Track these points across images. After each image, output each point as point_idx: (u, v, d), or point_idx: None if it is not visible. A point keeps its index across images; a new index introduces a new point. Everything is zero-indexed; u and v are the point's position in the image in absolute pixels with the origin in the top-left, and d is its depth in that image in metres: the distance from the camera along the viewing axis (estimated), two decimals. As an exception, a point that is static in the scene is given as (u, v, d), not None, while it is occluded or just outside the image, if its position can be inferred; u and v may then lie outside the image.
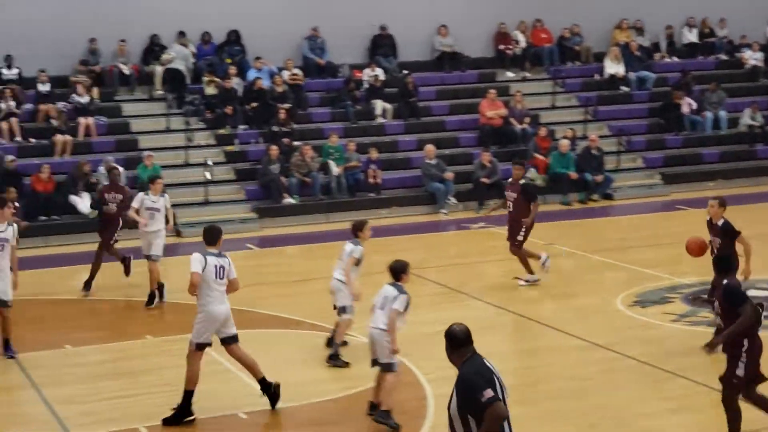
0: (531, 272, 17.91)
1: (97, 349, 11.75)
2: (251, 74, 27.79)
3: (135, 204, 17.32)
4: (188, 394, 11.66)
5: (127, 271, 18.04)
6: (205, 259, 11.63)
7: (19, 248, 20.17)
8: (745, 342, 10.34)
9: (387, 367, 11.61)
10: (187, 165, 25.61)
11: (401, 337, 11.55)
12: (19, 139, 25.05)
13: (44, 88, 26.08)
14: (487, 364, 7.47)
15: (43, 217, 23.21)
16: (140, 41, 27.83)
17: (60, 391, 12.28)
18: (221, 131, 26.61)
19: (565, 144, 26.87)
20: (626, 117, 29.99)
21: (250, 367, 12.11)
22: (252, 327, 15.11)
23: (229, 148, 26.24)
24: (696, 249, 13.40)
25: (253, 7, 28.51)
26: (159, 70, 27.50)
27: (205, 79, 27.41)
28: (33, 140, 25.22)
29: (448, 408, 7.36)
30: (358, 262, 13.72)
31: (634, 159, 28.76)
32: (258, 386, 12.03)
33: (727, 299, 10.44)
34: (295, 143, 26.03)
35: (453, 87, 30.01)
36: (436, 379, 12.96)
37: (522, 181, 18.03)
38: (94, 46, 27.20)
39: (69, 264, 20.13)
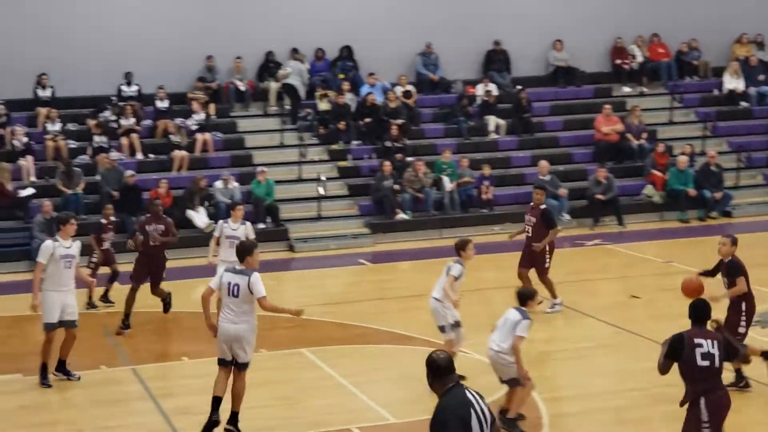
0: (555, 296, 17.41)
1: (212, 361, 11.86)
2: (364, 90, 27.92)
3: (216, 233, 16.95)
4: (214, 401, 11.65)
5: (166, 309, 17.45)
6: (222, 275, 11.52)
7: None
8: None
9: (513, 383, 11.74)
10: (300, 180, 25.80)
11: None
12: (139, 155, 25.55)
13: (163, 104, 26.58)
14: (469, 396, 7.25)
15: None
16: (256, 58, 28.16)
17: (177, 403, 12.43)
18: (334, 147, 26.77)
19: (683, 160, 26.35)
20: (746, 133, 29.26)
21: (235, 397, 11.70)
22: (365, 342, 15.12)
23: (342, 163, 26.37)
24: (692, 292, 12.60)
25: (366, 23, 28.64)
26: (273, 86, 27.81)
27: (319, 94, 27.63)
28: (152, 156, 25.71)
29: None
30: (456, 280, 13.58)
31: (753, 176, 28.05)
32: (228, 416, 11.69)
33: None
34: (408, 159, 26.04)
35: (567, 102, 29.71)
36: (551, 399, 12.77)
37: (542, 206, 17.39)
38: (211, 63, 27.63)
39: (185, 277, 20.38)
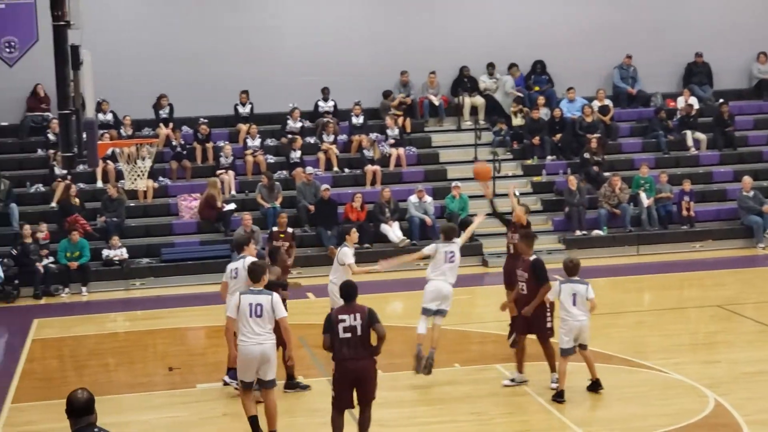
0: (521, 371, 14.21)
1: (406, 374, 11.86)
2: (564, 105, 27.60)
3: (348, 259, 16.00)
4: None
5: None
6: (240, 299, 11.52)
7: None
8: None
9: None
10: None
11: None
12: (335, 169, 25.96)
13: (358, 120, 26.94)
14: None
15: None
16: (449, 72, 28.22)
17: (373, 415, 12.43)
18: (528, 162, 26.54)
19: None
20: None
21: (270, 418, 11.71)
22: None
23: (536, 178, 26.10)
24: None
25: (561, 36, 28.32)
26: (468, 100, 27.81)
27: (513, 109, 27.47)
28: (347, 170, 26.07)
29: None
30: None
31: None
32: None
33: None
34: (605, 174, 25.56)
35: (772, 116, 28.63)
36: (755, 422, 12.23)
37: (532, 257, 13.91)
38: (405, 78, 27.84)
39: (379, 291, 20.54)
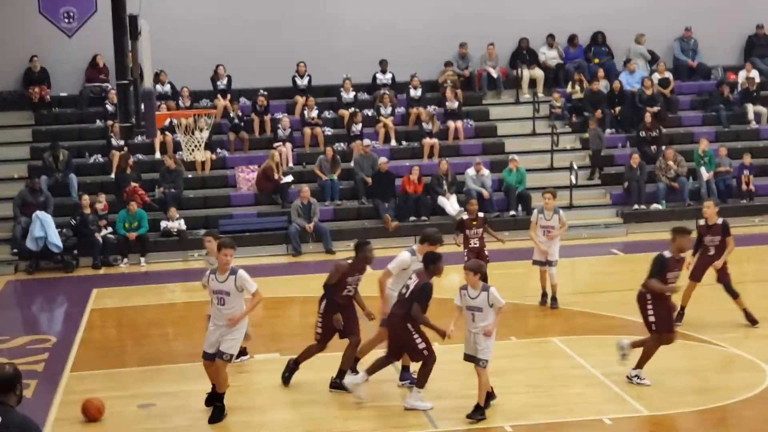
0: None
1: (459, 347, 11.83)
2: (623, 77, 27.30)
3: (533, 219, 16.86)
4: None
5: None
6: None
7: (392, 247, 20.89)
8: None
9: None
10: (552, 169, 25.50)
11: None
12: (392, 142, 25.91)
13: (415, 92, 26.83)
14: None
15: (412, 218, 23.83)
16: (509, 44, 28.02)
17: (430, 386, 12.43)
18: (587, 135, 26.30)
19: None
20: None
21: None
22: (616, 333, 14.72)
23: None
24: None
25: (622, 8, 27.98)
26: (526, 73, 27.61)
27: (572, 81, 27.22)
28: (404, 143, 26.01)
29: None
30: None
31: None
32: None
33: None
34: (663, 147, 25.27)
35: (836, 89, 28.10)
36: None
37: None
38: (463, 50, 27.67)
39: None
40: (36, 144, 25.10)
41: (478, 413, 11.65)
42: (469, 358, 11.77)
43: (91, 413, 12.19)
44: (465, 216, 17.53)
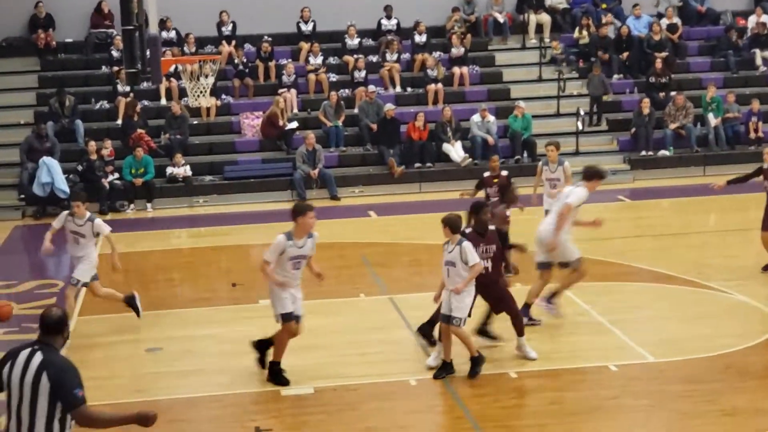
0: None
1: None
2: (630, 22, 27.10)
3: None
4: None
5: None
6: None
7: (397, 193, 20.87)
8: None
9: None
10: (558, 115, 25.40)
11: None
12: (397, 88, 25.79)
13: (421, 38, 26.66)
14: (24, 354, 6.90)
15: (417, 164, 23.78)
16: (515, -11, 27.83)
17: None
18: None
19: None
20: None
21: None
22: (623, 280, 14.76)
23: (605, 97, 25.65)
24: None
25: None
26: (533, 18, 27.41)
27: (579, 26, 27.00)
28: (409, 89, 25.89)
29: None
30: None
31: None
32: None
33: None
34: (671, 93, 25.14)
35: None
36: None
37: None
38: (470, -5, 27.50)
39: (443, 210, 20.50)
40: (42, 90, 25.02)
41: (476, 366, 11.45)
42: (444, 318, 11.39)
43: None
44: (486, 173, 16.47)
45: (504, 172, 16.41)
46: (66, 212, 13.64)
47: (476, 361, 11.49)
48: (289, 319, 11.26)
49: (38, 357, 6.81)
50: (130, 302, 14.00)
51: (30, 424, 6.77)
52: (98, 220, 13.62)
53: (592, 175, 13.25)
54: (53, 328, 6.93)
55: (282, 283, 11.14)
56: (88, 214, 13.49)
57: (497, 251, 11.77)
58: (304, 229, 11.12)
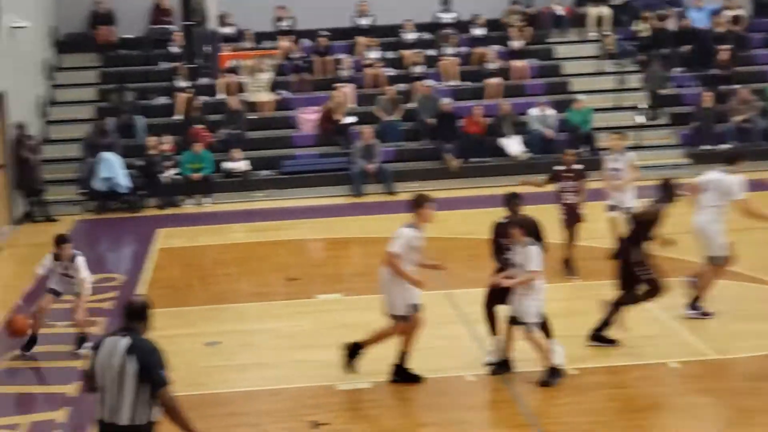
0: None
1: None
2: (692, 14, 26.74)
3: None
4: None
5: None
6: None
7: (454, 188, 20.77)
8: None
9: None
10: (618, 108, 25.15)
11: None
12: (455, 82, 25.68)
13: (479, 31, 26.52)
14: (111, 341, 7.44)
15: (474, 159, 23.68)
16: (575, -19, 27.61)
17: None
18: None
19: None
20: None
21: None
22: (681, 276, 14.53)
23: (664, 90, 25.33)
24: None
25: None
26: (593, 11, 27.16)
27: (641, 19, 26.68)
28: (467, 83, 25.77)
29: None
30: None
31: None
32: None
33: None
34: (735, 86, 24.78)
35: None
36: None
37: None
38: (528, -12, 27.33)
39: (501, 205, 20.38)
40: (103, 86, 25.26)
41: (551, 377, 11.07)
42: (510, 319, 11.29)
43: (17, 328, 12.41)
44: (559, 167, 15.80)
45: (579, 166, 15.90)
46: (50, 255, 12.71)
47: (553, 373, 11.11)
48: (416, 310, 11.24)
49: (125, 341, 7.31)
50: (30, 341, 12.83)
51: (117, 407, 7.19)
52: (80, 258, 12.65)
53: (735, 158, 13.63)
54: (137, 314, 7.47)
55: (419, 282, 11.12)
56: (72, 252, 12.67)
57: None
58: (425, 220, 11.23)
